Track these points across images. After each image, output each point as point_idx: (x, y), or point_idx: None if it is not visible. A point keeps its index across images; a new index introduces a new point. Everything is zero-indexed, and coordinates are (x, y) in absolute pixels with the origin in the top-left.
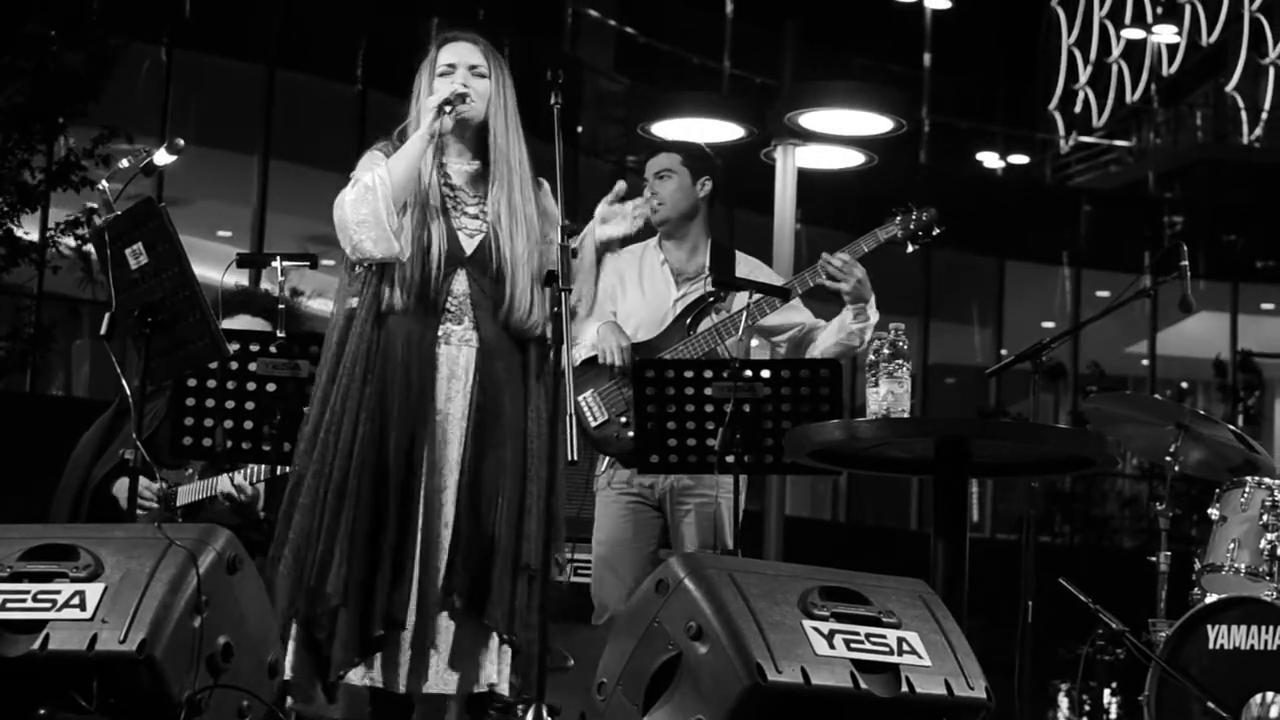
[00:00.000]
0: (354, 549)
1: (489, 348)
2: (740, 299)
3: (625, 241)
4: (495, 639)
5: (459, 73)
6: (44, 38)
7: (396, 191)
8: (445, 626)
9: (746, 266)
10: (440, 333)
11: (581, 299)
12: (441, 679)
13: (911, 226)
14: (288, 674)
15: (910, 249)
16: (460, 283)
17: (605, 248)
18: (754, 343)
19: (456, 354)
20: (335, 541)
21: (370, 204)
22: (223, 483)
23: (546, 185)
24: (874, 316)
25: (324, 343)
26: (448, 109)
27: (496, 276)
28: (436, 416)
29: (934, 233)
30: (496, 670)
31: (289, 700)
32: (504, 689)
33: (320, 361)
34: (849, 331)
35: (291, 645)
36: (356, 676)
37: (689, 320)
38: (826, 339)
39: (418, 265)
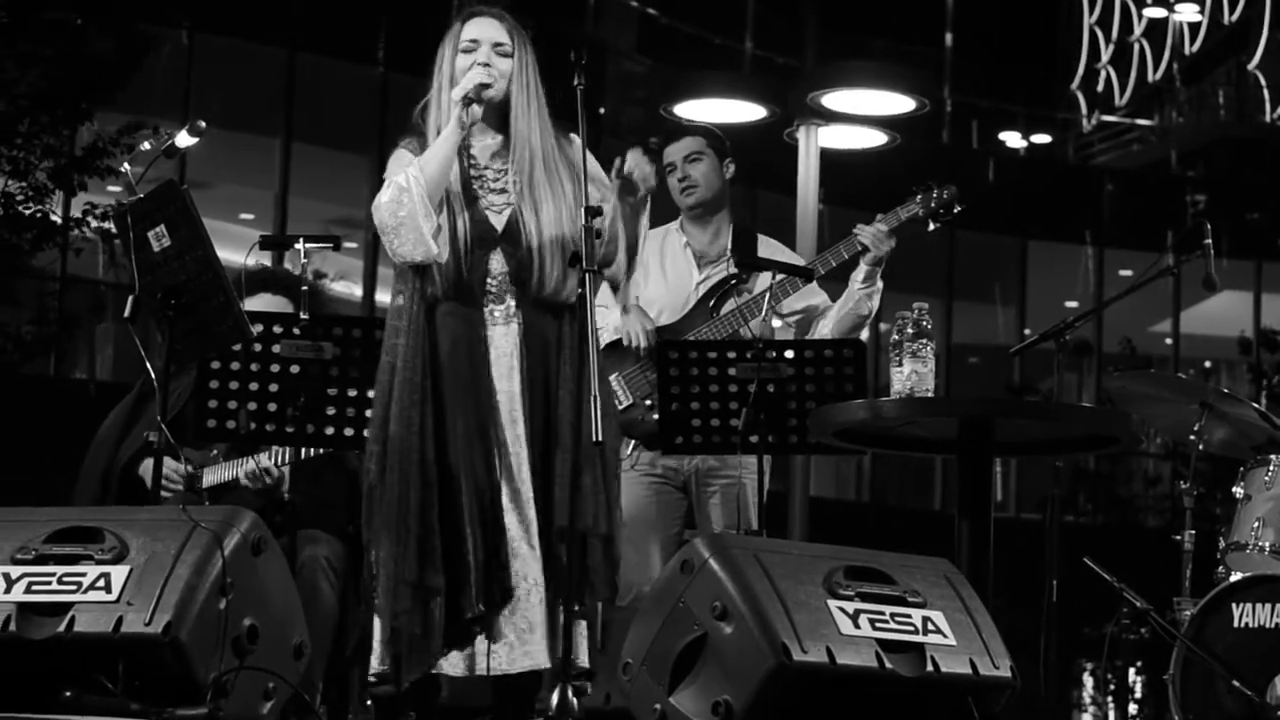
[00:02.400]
0: (443, 540)
1: (530, 323)
2: (763, 280)
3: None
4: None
5: (482, 49)
6: (67, 23)
7: (431, 190)
8: (536, 605)
9: (767, 249)
10: (486, 314)
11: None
12: (534, 656)
13: (932, 204)
14: (386, 665)
15: (931, 227)
16: (497, 262)
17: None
18: (776, 323)
19: (505, 332)
20: (430, 534)
21: (407, 206)
22: (249, 464)
23: (578, 141)
24: (880, 285)
25: (385, 337)
26: (473, 102)
27: (528, 251)
28: (499, 397)
29: (955, 210)
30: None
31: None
32: (583, 660)
33: (382, 358)
34: (856, 299)
35: (379, 639)
36: (448, 665)
37: (712, 302)
38: (837, 311)
39: (449, 251)
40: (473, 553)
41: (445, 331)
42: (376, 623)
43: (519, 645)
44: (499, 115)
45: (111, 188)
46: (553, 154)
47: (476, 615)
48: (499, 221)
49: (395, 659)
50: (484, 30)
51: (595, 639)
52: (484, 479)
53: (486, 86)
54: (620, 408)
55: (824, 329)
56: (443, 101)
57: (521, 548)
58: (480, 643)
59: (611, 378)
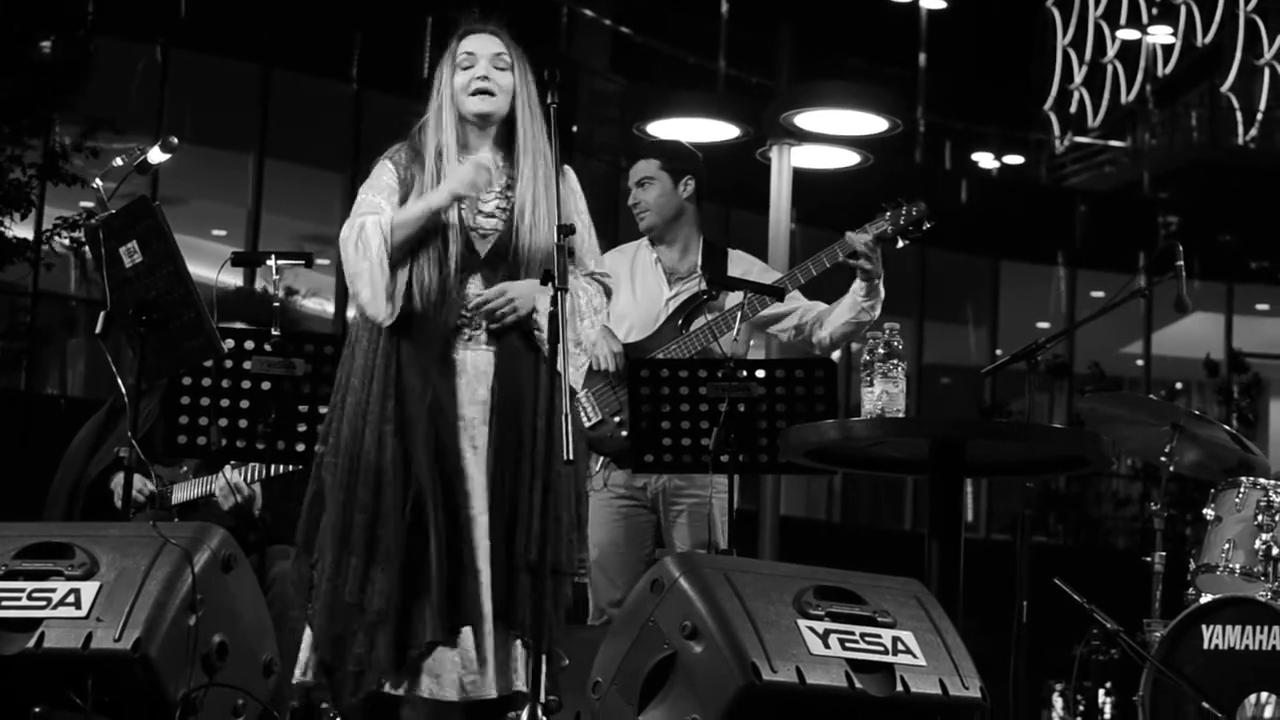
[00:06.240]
0: (390, 563)
1: (505, 350)
2: (733, 296)
3: None
4: (519, 644)
5: (481, 63)
6: (26, 34)
7: (396, 252)
8: (487, 636)
9: (738, 263)
10: (458, 336)
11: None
12: (478, 685)
13: (901, 221)
14: (309, 677)
15: (900, 244)
16: (476, 285)
17: None
18: (751, 341)
19: (475, 357)
20: (375, 557)
21: (368, 262)
22: (219, 481)
23: (570, 171)
24: (882, 293)
25: (344, 349)
26: (462, 203)
27: (511, 275)
28: (459, 422)
29: (925, 227)
30: (523, 677)
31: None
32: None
33: (340, 369)
34: (860, 308)
35: (309, 651)
36: (391, 685)
37: (681, 319)
38: (838, 317)
39: (434, 270)
40: (436, 581)
41: (414, 350)
42: (307, 632)
43: (469, 674)
44: (502, 132)
45: (84, 202)
46: (553, 178)
47: (427, 646)
48: (483, 246)
49: (327, 673)
50: (481, 44)
51: (556, 669)
52: (445, 507)
53: (481, 189)
54: (588, 424)
55: (825, 332)
56: (443, 120)
57: (479, 578)
58: (430, 667)
59: (580, 394)
